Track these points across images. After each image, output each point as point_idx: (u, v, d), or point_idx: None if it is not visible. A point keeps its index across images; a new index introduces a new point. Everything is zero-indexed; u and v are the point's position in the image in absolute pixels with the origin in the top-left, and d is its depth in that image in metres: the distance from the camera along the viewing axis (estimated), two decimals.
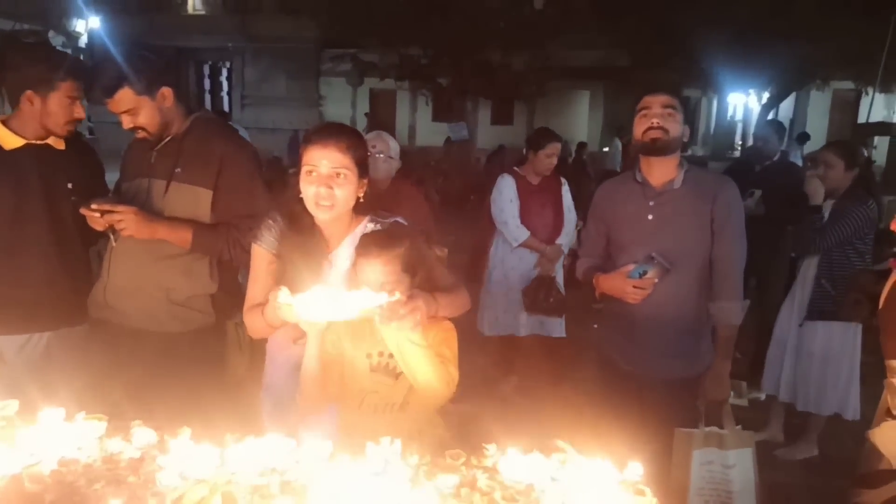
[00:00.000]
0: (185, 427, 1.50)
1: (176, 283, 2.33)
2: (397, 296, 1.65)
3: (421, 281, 1.84)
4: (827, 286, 3.49)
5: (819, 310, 3.52)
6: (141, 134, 2.30)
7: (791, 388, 3.69)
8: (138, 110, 2.25)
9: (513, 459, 1.42)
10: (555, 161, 4.16)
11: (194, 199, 2.31)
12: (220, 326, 2.42)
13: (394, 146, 3.28)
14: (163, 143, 2.34)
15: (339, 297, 1.62)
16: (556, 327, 4.27)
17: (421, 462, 1.43)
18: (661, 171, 2.37)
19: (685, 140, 2.38)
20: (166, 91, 2.28)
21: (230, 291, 2.42)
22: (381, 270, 1.75)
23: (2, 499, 1.24)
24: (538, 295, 4.08)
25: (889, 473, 1.37)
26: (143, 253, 2.31)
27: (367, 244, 1.80)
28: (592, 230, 2.62)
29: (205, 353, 2.37)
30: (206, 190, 2.30)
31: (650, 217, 2.37)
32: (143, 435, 1.51)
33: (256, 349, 2.28)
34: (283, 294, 1.62)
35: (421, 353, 1.74)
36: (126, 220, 2.18)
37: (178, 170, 2.30)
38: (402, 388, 1.83)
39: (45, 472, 1.33)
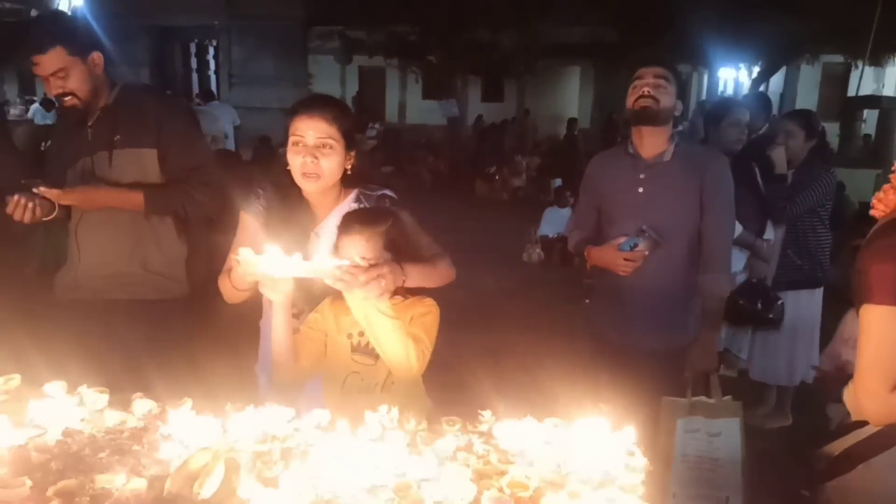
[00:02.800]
0: (185, 398, 1.53)
1: (147, 250, 2.34)
2: (357, 260, 1.61)
3: (404, 258, 1.79)
4: (793, 256, 3.51)
5: (786, 280, 3.53)
6: (69, 101, 2.27)
7: (759, 362, 3.70)
8: (69, 72, 2.23)
9: (507, 424, 1.45)
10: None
11: (140, 162, 2.31)
12: (197, 294, 2.43)
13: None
14: (94, 117, 2.33)
15: (297, 258, 1.56)
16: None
17: (418, 428, 1.46)
18: (652, 144, 2.39)
19: (677, 114, 2.39)
20: (97, 56, 2.28)
21: (205, 256, 2.43)
22: (362, 247, 1.71)
23: (9, 468, 1.26)
24: (754, 304, 3.36)
25: (850, 425, 1.47)
26: (108, 225, 2.32)
27: (350, 221, 1.77)
28: (584, 203, 2.65)
29: (183, 322, 2.39)
30: (149, 150, 2.30)
31: (640, 190, 2.40)
32: (144, 406, 1.54)
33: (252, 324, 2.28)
34: (244, 251, 1.58)
35: (388, 323, 1.68)
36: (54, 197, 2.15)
37: (117, 137, 2.30)
38: (383, 368, 1.78)
39: (50, 443, 1.36)
